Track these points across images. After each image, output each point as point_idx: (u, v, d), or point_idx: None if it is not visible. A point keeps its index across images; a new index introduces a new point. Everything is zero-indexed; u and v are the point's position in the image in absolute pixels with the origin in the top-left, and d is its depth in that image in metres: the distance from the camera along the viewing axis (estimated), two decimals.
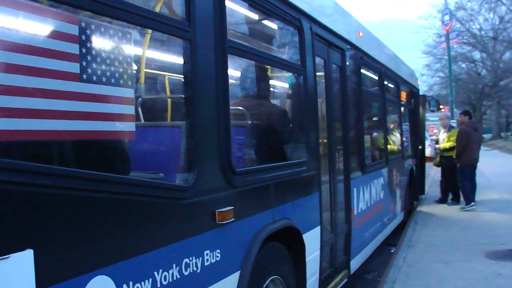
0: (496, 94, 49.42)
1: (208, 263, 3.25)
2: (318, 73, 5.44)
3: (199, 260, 3.15)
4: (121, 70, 2.63)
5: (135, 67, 3.23)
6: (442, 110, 20.24)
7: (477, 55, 50.71)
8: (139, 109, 4.80)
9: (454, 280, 6.42)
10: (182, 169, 3.30)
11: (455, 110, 15.02)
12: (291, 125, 5.18)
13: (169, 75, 5.28)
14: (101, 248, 2.42)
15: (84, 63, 2.40)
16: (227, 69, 3.54)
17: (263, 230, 3.94)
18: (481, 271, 6.72)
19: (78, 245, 2.28)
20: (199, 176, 3.18)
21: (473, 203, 11.89)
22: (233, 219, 3.47)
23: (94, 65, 2.47)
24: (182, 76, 3.34)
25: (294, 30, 4.94)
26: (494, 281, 6.27)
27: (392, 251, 8.88)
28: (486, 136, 60.33)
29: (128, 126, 2.70)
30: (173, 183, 3.19)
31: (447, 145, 12.72)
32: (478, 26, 46.45)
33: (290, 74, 5.26)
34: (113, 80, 2.57)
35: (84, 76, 2.40)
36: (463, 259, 7.35)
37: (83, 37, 2.41)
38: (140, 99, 4.89)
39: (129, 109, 2.65)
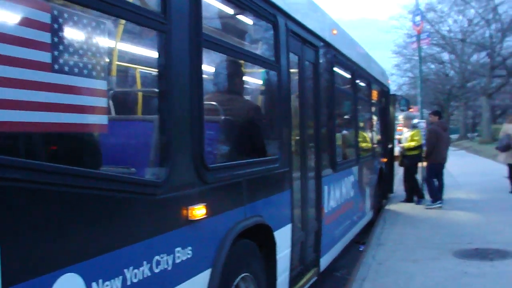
0: (464, 95, 50.20)
1: (179, 260, 3.19)
2: (292, 70, 5.41)
3: (170, 257, 3.09)
4: (94, 61, 2.56)
5: (108, 59, 3.14)
6: (411, 110, 20.50)
7: (445, 56, 51.37)
8: (111, 102, 4.72)
9: (422, 278, 6.47)
10: (154, 164, 3.23)
11: (423, 110, 15.19)
12: (264, 121, 5.14)
13: (142, 69, 5.18)
14: (70, 245, 2.35)
15: (56, 53, 2.32)
16: (201, 63, 3.49)
17: (235, 227, 3.90)
18: (449, 269, 6.79)
19: (45, 241, 2.20)
20: (172, 171, 3.12)
21: (439, 202, 12.08)
22: (205, 216, 3.42)
23: (66, 55, 2.39)
24: (156, 69, 3.28)
25: (269, 26, 4.90)
26: (461, 280, 6.34)
27: (361, 249, 8.92)
28: (453, 136, 61.24)
29: (100, 119, 2.63)
30: (145, 179, 3.12)
31: (412, 144, 12.87)
32: (447, 28, 47.08)
33: (263, 70, 5.22)
34: (85, 71, 2.49)
35: (56, 66, 2.32)
36: (431, 258, 7.42)
37: (55, 26, 2.33)
38: (111, 91, 4.80)
39: (102, 102, 2.58)
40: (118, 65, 4.89)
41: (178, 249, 3.18)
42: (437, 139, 12.20)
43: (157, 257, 2.96)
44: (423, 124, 14.75)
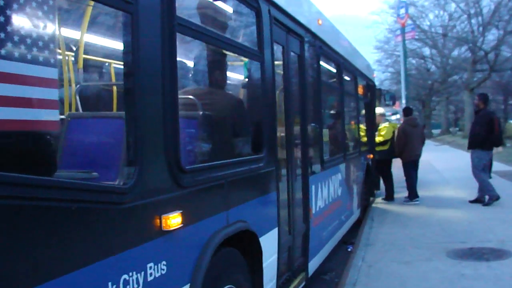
0: (445, 90, 50.28)
1: (152, 277, 2.76)
2: (276, 62, 5.00)
3: (140, 275, 2.65)
4: (40, 44, 2.10)
5: (58, 42, 2.69)
6: (394, 106, 20.28)
7: (427, 51, 51.43)
8: (77, 97, 4.28)
9: (417, 282, 6.10)
10: (121, 167, 2.78)
11: (403, 103, 14.98)
12: (247, 117, 4.71)
13: (110, 60, 4.73)
14: (20, 267, 1.92)
15: None
16: (175, 51, 3.04)
17: (216, 236, 3.48)
18: (443, 271, 6.43)
19: None
20: (141, 175, 2.68)
21: (417, 199, 12.09)
22: (181, 225, 2.99)
23: (2, 36, 1.94)
24: (122, 57, 2.82)
25: (251, 12, 4.48)
26: (458, 283, 5.98)
27: (349, 249, 8.55)
28: (435, 131, 61.52)
29: (50, 115, 2.17)
30: (109, 185, 2.65)
31: (379, 139, 12.71)
32: (428, 23, 47.06)
33: (246, 60, 4.79)
34: (29, 57, 2.04)
35: None
36: (424, 259, 7.06)
37: None
38: (78, 86, 4.36)
39: (51, 94, 2.12)
40: (85, 56, 4.46)
41: (150, 264, 2.74)
42: (406, 137, 12.18)
43: (124, 276, 2.53)
44: (394, 118, 14.48)
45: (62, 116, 3.69)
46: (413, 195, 12.15)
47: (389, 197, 12.67)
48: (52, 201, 2.12)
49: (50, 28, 2.15)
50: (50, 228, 2.11)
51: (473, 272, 6.32)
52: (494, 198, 11.20)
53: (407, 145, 12.16)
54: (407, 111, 13.39)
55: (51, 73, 2.14)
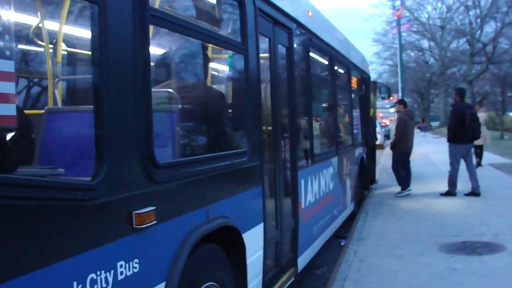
0: (444, 82, 50.18)
1: (123, 276, 2.67)
2: (262, 54, 4.90)
3: (110, 274, 2.57)
4: None
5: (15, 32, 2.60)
6: (391, 98, 20.22)
7: (425, 43, 51.35)
8: (56, 91, 4.20)
9: (407, 277, 6.02)
10: (89, 162, 2.69)
11: (404, 98, 14.92)
12: (230, 110, 4.62)
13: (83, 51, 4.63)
14: None
15: None
16: (148, 43, 2.94)
17: (194, 232, 3.39)
18: (435, 266, 6.35)
19: None
20: (111, 170, 2.59)
21: (410, 188, 12.18)
22: (155, 222, 2.90)
23: None
24: (91, 50, 2.73)
25: (235, 2, 4.38)
26: (449, 278, 5.90)
27: (342, 243, 8.49)
28: (434, 124, 61.46)
29: (6, 109, 2.07)
30: (75, 181, 2.56)
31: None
32: (426, 15, 46.92)
33: (229, 53, 4.69)
34: None
35: None
36: (417, 253, 6.98)
37: None
38: (57, 80, 4.27)
39: (6, 87, 2.03)
40: (64, 49, 4.36)
41: (121, 263, 2.66)
42: (405, 127, 12.25)
43: (92, 275, 2.44)
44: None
45: (41, 111, 3.62)
46: (405, 185, 12.19)
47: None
48: (11, 199, 2.04)
49: (6, 16, 2.06)
50: (8, 227, 2.03)
51: (465, 266, 6.25)
52: (452, 193, 11.57)
53: (404, 136, 12.21)
54: (404, 103, 13.38)
55: (8, 66, 2.05)
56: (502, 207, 9.80)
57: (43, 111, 3.62)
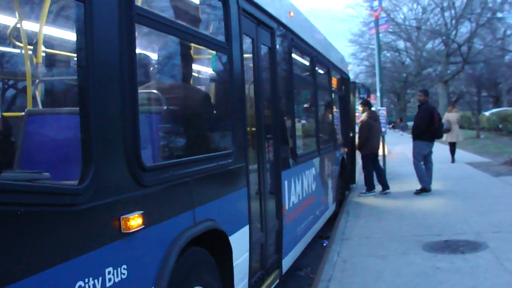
0: (420, 82, 50.56)
1: (111, 283, 2.59)
2: (245, 55, 4.84)
3: (98, 281, 2.49)
4: None
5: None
6: (369, 99, 20.38)
7: (401, 44, 51.74)
8: (36, 93, 4.10)
9: (392, 276, 6.01)
10: (74, 166, 2.60)
11: (378, 96, 14.99)
12: (215, 111, 4.56)
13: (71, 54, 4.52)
14: None
15: None
16: (134, 43, 2.87)
17: (182, 236, 3.33)
18: (419, 265, 6.36)
19: None
20: (97, 174, 2.51)
21: (374, 191, 12.45)
22: (142, 226, 2.83)
23: None
24: (75, 50, 2.65)
25: (219, 2, 4.32)
26: (434, 277, 5.90)
27: (324, 244, 8.48)
28: (410, 123, 61.89)
29: None
30: (60, 186, 2.47)
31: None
32: (402, 16, 47.28)
33: (213, 53, 4.63)
34: None
35: None
36: (400, 253, 6.99)
37: None
38: (37, 81, 4.17)
39: None
40: (45, 50, 4.25)
41: (109, 269, 2.58)
42: (369, 130, 12.45)
43: (80, 283, 2.36)
44: (383, 111, 14.48)
45: (22, 113, 3.52)
46: (370, 186, 12.47)
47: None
48: None
49: None
50: None
51: (449, 265, 6.26)
52: (426, 190, 11.82)
53: (368, 139, 12.40)
54: (369, 104, 13.54)
55: None
56: (482, 206, 9.86)
57: (22, 113, 3.52)
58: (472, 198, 10.84)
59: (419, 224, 8.68)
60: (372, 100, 26.58)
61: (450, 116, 19.19)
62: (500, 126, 33.37)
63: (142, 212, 2.82)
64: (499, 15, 40.11)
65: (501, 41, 43.77)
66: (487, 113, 39.37)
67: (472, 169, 15.95)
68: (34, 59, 4.07)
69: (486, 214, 9.12)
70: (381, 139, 13.46)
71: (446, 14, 42.12)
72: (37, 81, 4.15)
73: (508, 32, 43.34)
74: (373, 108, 13.62)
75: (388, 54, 54.53)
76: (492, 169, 15.41)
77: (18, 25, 4.11)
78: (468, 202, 10.41)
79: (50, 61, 4.48)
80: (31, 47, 4.19)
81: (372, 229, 8.62)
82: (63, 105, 4.43)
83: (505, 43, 44.10)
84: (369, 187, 12.46)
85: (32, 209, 2.14)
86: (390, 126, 50.52)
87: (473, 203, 10.31)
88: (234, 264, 4.22)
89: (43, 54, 4.20)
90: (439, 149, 22.06)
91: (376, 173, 12.56)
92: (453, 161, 18.50)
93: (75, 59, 4.66)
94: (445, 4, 41.08)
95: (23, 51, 4.19)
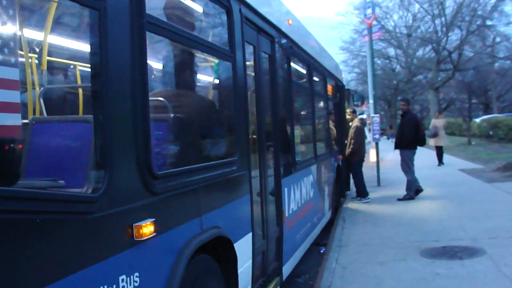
0: (410, 89, 50.77)
1: None
2: (247, 62, 4.87)
3: None
4: None
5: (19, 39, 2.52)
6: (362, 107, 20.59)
7: (392, 51, 51.91)
8: (41, 100, 4.09)
9: (392, 282, 6.04)
10: (89, 174, 2.61)
11: (371, 103, 15.08)
12: (219, 119, 4.57)
13: (75, 62, 4.52)
14: None
15: None
16: (145, 50, 2.89)
17: (190, 243, 3.34)
18: (418, 271, 6.39)
19: None
20: (111, 182, 2.52)
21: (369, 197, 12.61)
22: (154, 234, 2.84)
23: None
24: (89, 58, 2.65)
25: (222, 10, 4.35)
26: (433, 282, 5.94)
27: (322, 251, 8.49)
28: None
29: (11, 119, 2.00)
30: (78, 193, 2.48)
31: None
32: (392, 24, 47.49)
33: (217, 61, 4.65)
34: None
35: None
36: (398, 259, 7.02)
37: None
38: (42, 88, 4.16)
39: (12, 96, 1.96)
40: (49, 57, 4.24)
41: (123, 277, 2.59)
42: (361, 136, 12.74)
43: None
44: (377, 118, 14.57)
45: (26, 121, 3.51)
46: (364, 193, 12.51)
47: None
48: (15, 213, 1.96)
49: (10, 26, 1.99)
50: (11, 243, 1.95)
51: (448, 271, 6.30)
52: (410, 197, 12.04)
53: (361, 145, 12.61)
54: (355, 112, 13.79)
55: (12, 73, 1.97)
56: (477, 212, 9.92)
57: (27, 120, 3.52)
58: (467, 204, 10.90)
59: (416, 230, 8.72)
60: (363, 107, 26.73)
61: (437, 122, 20.60)
62: (491, 132, 33.57)
63: (153, 219, 2.83)
64: (489, 22, 40.44)
65: (490, 48, 44.11)
66: (477, 120, 39.59)
67: (465, 176, 16.03)
68: (40, 67, 4.07)
69: (481, 220, 9.18)
70: (373, 145, 13.52)
71: (437, 21, 42.35)
72: (42, 88, 4.15)
73: (498, 39, 43.71)
74: (360, 116, 13.81)
75: (379, 62, 54.67)
76: (484, 176, 15.50)
77: (20, 32, 4.11)
78: (463, 208, 10.47)
79: (55, 68, 4.48)
80: (35, 55, 4.19)
81: (369, 235, 8.65)
82: (67, 112, 4.43)
83: (495, 51, 44.45)
84: (363, 194, 12.53)
85: (49, 217, 2.14)
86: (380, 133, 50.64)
87: (467, 209, 10.37)
88: (239, 271, 4.23)
89: (48, 62, 4.19)
90: (429, 155, 22.33)
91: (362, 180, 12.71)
92: (439, 164, 19.72)
93: (80, 67, 4.68)
94: (435, 12, 41.33)
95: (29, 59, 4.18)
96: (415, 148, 12.33)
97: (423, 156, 23.00)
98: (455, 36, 42.42)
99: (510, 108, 54.04)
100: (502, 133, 31.05)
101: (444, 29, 41.60)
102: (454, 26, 40.79)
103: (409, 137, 12.08)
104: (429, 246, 7.54)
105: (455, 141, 33.12)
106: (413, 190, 12.12)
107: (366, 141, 14.05)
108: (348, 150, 12.56)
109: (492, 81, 49.07)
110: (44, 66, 4.07)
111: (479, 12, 39.47)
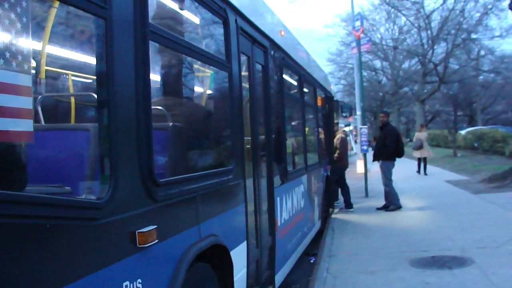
0: (397, 101, 51.23)
1: None
2: (242, 73, 4.92)
3: None
4: (13, 49, 1.96)
5: (32, 47, 2.54)
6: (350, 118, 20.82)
7: (378, 63, 52.38)
8: (39, 108, 4.09)
9: None
10: (94, 181, 2.64)
11: (358, 114, 15.23)
12: (217, 128, 4.62)
13: (76, 71, 4.53)
14: None
15: None
16: (148, 59, 2.93)
17: (190, 251, 3.37)
18: (408, 280, 6.44)
19: None
20: (115, 190, 2.55)
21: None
22: (156, 241, 2.87)
23: None
24: (94, 65, 2.69)
25: (219, 21, 4.40)
26: None
27: (311, 261, 8.52)
28: None
29: (24, 125, 2.03)
30: (83, 200, 2.51)
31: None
32: (379, 36, 47.95)
33: (213, 71, 4.70)
34: (1, 61, 1.90)
35: None
36: (389, 268, 7.07)
37: None
38: (40, 96, 4.17)
39: (25, 102, 1.99)
40: (48, 65, 4.26)
41: (126, 283, 2.61)
42: (345, 146, 13.21)
43: None
44: (365, 130, 14.69)
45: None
46: (350, 203, 12.87)
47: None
48: (23, 218, 1.98)
49: (22, 34, 2.02)
50: (19, 248, 1.97)
51: (438, 280, 6.36)
52: (397, 207, 12.22)
53: (344, 155, 13.02)
54: (337, 124, 14.15)
55: (25, 80, 2.00)
56: (464, 222, 10.03)
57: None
58: (454, 215, 11.01)
59: (405, 240, 8.79)
60: (350, 119, 26.84)
61: (420, 135, 22.21)
62: (476, 144, 33.87)
63: (155, 226, 2.86)
64: (474, 36, 41.01)
65: (475, 61, 44.70)
66: (463, 132, 39.94)
67: (451, 187, 16.18)
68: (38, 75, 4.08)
69: (469, 230, 9.28)
70: (361, 156, 13.82)
71: (423, 34, 42.87)
72: (40, 96, 4.16)
73: (482, 52, 44.29)
74: (343, 128, 14.13)
75: (365, 73, 55.12)
76: (471, 187, 15.67)
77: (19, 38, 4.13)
78: (450, 219, 10.58)
79: (53, 77, 4.49)
80: (34, 63, 4.20)
81: (359, 245, 8.70)
82: (65, 121, 4.44)
83: (479, 64, 45.04)
84: (349, 204, 12.82)
85: (56, 222, 2.17)
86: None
87: (455, 219, 10.48)
88: (235, 279, 4.25)
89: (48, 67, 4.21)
90: (412, 165, 22.58)
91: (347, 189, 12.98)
92: (419, 171, 21.68)
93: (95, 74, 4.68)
94: (421, 25, 41.81)
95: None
96: (395, 160, 12.57)
97: (408, 166, 23.26)
98: (440, 49, 42.98)
99: (494, 120, 54.67)
100: (486, 145, 31.33)
101: (430, 42, 42.10)
102: (439, 39, 41.31)
103: (390, 148, 12.31)
104: (419, 256, 7.61)
105: (441, 152, 33.37)
106: (398, 199, 12.31)
107: (353, 152, 14.27)
108: (334, 156, 12.79)
109: (477, 93, 49.68)
110: (43, 74, 4.10)
111: (464, 26, 40.04)
